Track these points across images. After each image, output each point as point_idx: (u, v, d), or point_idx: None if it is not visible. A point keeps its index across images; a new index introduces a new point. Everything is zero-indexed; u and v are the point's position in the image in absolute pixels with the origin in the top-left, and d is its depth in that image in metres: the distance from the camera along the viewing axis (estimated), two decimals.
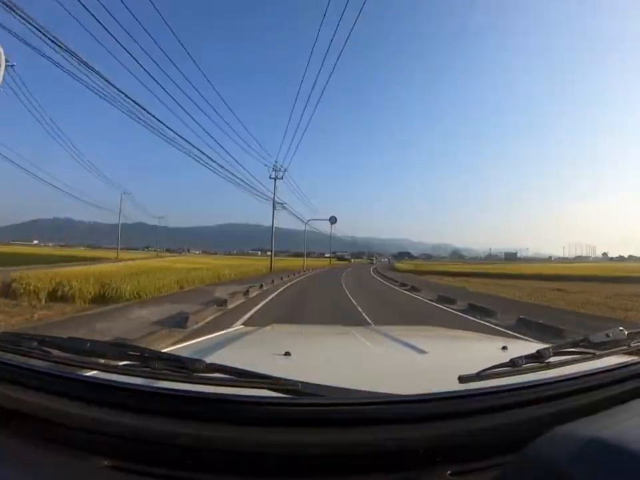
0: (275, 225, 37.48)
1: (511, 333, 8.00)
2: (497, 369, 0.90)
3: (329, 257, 72.83)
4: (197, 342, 1.79)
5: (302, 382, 0.79)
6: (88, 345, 0.90)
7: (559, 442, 0.68)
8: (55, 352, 0.91)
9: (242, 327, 3.16)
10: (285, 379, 0.80)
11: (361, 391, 0.84)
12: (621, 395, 0.90)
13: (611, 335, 1.05)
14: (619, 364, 0.98)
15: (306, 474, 0.74)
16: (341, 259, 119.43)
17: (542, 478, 0.63)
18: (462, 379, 0.85)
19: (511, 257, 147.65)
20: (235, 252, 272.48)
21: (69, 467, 0.73)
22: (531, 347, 1.49)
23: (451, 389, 0.82)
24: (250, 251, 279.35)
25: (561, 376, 0.90)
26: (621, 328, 1.08)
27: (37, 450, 0.77)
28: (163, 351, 1.12)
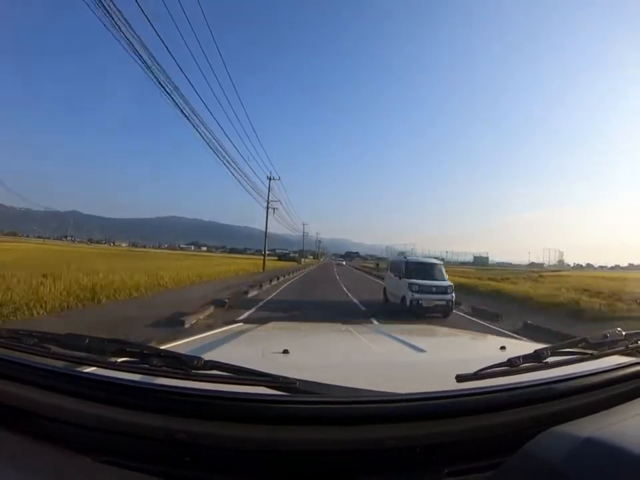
0: None
1: None
2: (494, 369, 0.86)
3: (263, 254, 35.16)
4: (196, 339, 1.71)
5: (300, 380, 0.77)
6: (86, 341, 0.87)
7: (555, 441, 0.67)
8: (54, 348, 0.88)
9: (241, 324, 2.79)
10: (282, 377, 0.77)
11: (358, 389, 0.81)
12: (617, 395, 0.89)
13: (608, 336, 1.02)
14: (617, 365, 0.96)
15: (303, 471, 0.73)
16: (283, 257, 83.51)
17: (538, 477, 0.63)
18: (459, 378, 0.82)
19: (481, 262, 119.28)
20: (165, 246, 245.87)
21: (67, 462, 0.72)
22: (529, 347, 1.44)
23: (449, 388, 0.80)
24: (182, 246, 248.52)
25: (558, 376, 0.87)
26: (618, 329, 1.05)
27: (35, 445, 0.75)
28: (162, 347, 1.09)
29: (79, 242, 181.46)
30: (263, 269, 32.05)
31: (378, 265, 60.92)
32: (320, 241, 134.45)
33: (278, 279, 20.42)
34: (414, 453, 0.73)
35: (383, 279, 29.91)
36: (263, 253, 34.68)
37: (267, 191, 32.54)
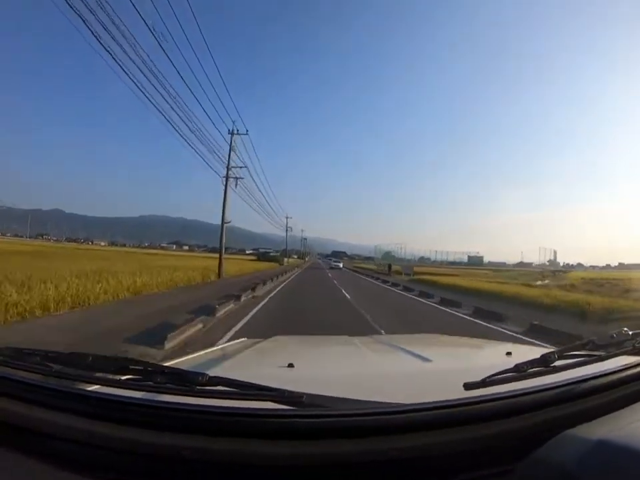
0: None
1: None
2: (502, 375, 0.85)
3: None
4: (199, 355, 1.68)
5: (306, 393, 0.75)
6: (90, 359, 0.86)
7: (568, 445, 0.66)
8: (57, 367, 0.86)
9: (245, 339, 2.56)
10: (288, 391, 0.75)
11: (365, 401, 0.79)
12: (628, 396, 0.87)
13: (615, 336, 1.00)
14: (625, 365, 0.93)
15: None
16: (262, 257, 65.88)
17: None
18: (467, 386, 0.81)
19: (475, 262, 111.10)
20: (146, 244, 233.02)
21: None
22: (535, 351, 1.42)
23: (457, 397, 0.77)
24: (163, 245, 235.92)
25: (566, 380, 0.85)
26: (625, 328, 1.03)
27: (39, 465, 0.74)
28: (166, 364, 1.07)
29: (54, 240, 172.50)
30: (219, 275, 19.51)
31: (390, 266, 42.65)
32: (305, 239, 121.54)
33: (212, 313, 8.30)
34: (425, 463, 0.72)
35: (428, 296, 15.52)
36: (219, 250, 21.22)
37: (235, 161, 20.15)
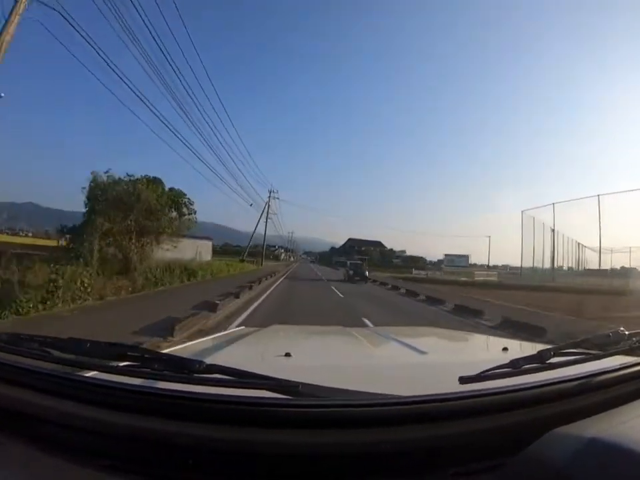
0: None
1: None
2: (497, 370, 0.84)
3: None
4: (198, 342, 1.72)
5: (302, 383, 0.74)
6: (88, 345, 0.85)
7: (559, 443, 0.66)
8: (55, 353, 0.86)
9: (243, 327, 2.80)
10: (285, 380, 0.75)
11: (361, 392, 0.79)
12: (621, 396, 0.87)
13: (611, 336, 0.99)
14: (620, 365, 0.92)
15: (305, 475, 0.70)
16: None
17: (543, 477, 0.62)
18: (463, 380, 0.80)
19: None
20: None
21: (69, 467, 0.70)
22: (531, 347, 1.46)
23: (452, 390, 0.77)
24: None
25: (561, 377, 0.84)
26: (621, 328, 1.02)
27: (36, 450, 0.73)
28: (163, 351, 1.06)
29: (23, 234, 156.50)
30: None
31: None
32: (292, 232, 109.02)
33: None
34: (418, 455, 0.71)
35: None
36: None
37: None
